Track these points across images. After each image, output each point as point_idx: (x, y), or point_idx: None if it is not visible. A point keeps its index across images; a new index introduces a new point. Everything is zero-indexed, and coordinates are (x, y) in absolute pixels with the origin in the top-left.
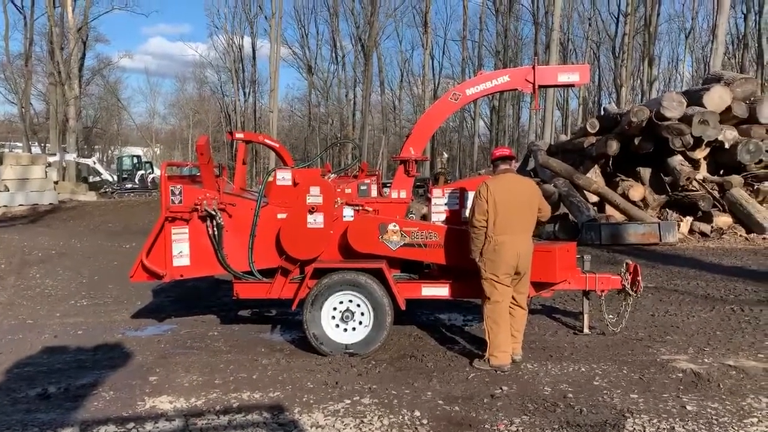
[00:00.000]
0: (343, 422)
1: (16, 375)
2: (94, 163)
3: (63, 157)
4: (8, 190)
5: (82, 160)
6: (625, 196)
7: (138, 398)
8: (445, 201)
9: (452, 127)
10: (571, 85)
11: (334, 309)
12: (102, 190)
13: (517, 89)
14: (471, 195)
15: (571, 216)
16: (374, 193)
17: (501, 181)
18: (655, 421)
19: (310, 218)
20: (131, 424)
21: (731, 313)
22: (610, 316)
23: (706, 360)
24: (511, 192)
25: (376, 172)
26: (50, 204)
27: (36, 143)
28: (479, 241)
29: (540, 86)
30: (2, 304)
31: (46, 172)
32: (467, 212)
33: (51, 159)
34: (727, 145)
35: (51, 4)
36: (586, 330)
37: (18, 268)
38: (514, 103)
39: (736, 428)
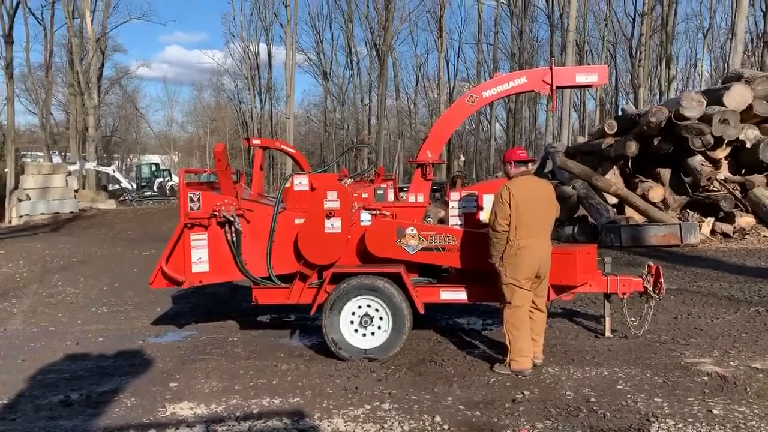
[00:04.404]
0: (363, 428)
1: (39, 382)
2: (114, 171)
3: (83, 166)
4: (30, 199)
5: (102, 169)
6: (644, 197)
7: (159, 404)
8: (463, 204)
9: (468, 130)
10: (589, 86)
11: (353, 314)
12: (121, 198)
13: (534, 91)
14: (487, 198)
15: (590, 218)
16: (391, 197)
17: (521, 184)
18: (680, 425)
19: (327, 223)
20: (152, 431)
21: (756, 315)
22: (632, 319)
23: (731, 363)
24: (532, 195)
25: (393, 177)
26: (71, 212)
27: (56, 152)
28: (500, 246)
29: (557, 87)
30: (25, 312)
31: (66, 180)
32: (483, 215)
33: (71, 168)
34: (748, 144)
35: (70, 15)
36: (608, 333)
37: (40, 276)
38: (531, 105)
39: None
